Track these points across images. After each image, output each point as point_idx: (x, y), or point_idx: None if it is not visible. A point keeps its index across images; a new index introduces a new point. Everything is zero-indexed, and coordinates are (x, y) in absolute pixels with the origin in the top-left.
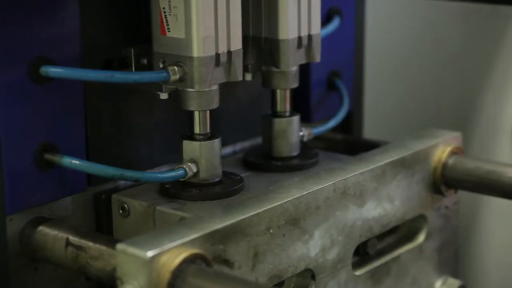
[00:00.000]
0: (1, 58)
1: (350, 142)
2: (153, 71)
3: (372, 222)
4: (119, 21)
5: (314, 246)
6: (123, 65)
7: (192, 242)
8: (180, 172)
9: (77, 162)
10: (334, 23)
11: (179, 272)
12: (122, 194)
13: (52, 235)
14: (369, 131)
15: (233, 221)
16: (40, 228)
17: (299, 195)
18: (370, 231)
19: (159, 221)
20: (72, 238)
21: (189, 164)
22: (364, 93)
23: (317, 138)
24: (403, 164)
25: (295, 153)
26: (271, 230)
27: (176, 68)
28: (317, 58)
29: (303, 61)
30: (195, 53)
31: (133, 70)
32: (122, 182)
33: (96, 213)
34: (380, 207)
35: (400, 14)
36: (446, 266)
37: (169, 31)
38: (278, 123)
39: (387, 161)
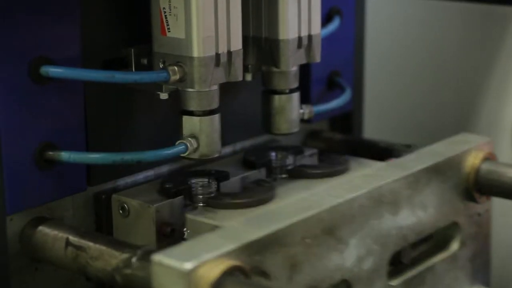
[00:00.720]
0: (1, 58)
1: (350, 142)
2: (153, 71)
3: (407, 230)
4: (119, 21)
5: (350, 256)
6: (123, 65)
7: (230, 254)
8: (181, 147)
9: (76, 155)
10: (334, 23)
11: (218, 285)
12: (122, 194)
13: (52, 235)
14: (369, 131)
15: (270, 231)
16: (40, 228)
17: (334, 204)
18: (405, 239)
19: (190, 229)
20: (72, 238)
21: (190, 139)
22: (364, 93)
23: (317, 138)
24: (436, 171)
25: (294, 130)
26: (307, 240)
27: (176, 68)
28: (317, 58)
29: (303, 61)
30: (195, 53)
31: (133, 70)
32: (122, 182)
33: (96, 213)
34: (414, 215)
35: (400, 14)
36: (479, 275)
37: (169, 31)
38: (278, 99)
39: (420, 167)
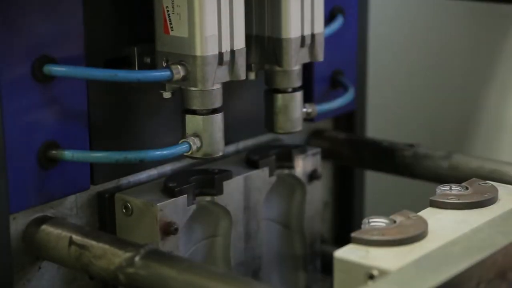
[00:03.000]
0: (5, 57)
1: (353, 141)
2: (156, 70)
3: None
4: (122, 20)
5: None
6: (126, 64)
7: None
8: (185, 146)
9: (79, 154)
10: (337, 22)
11: None
12: (125, 193)
13: (55, 234)
14: (372, 130)
15: (447, 277)
16: (44, 227)
17: (507, 243)
18: None
19: (338, 270)
20: (75, 237)
21: (193, 138)
22: (367, 92)
23: (320, 137)
24: None
25: (297, 129)
26: (481, 286)
27: (179, 67)
28: (320, 57)
29: (306, 60)
30: (198, 52)
31: (136, 69)
32: (125, 181)
33: (99, 212)
34: None
35: (403, 13)
36: None
37: (172, 30)
38: (281, 98)
39: None
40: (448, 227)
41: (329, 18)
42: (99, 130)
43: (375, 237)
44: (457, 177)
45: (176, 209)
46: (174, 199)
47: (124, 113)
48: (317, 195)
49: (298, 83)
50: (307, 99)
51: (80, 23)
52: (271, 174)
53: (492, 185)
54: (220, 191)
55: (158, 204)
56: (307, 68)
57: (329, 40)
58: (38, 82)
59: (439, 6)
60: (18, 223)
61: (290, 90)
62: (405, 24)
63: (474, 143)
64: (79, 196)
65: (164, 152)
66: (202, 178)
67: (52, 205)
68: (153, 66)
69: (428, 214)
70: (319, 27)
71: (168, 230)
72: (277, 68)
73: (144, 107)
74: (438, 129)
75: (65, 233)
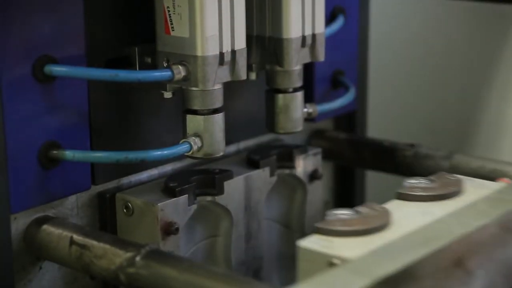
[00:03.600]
0: (5, 57)
1: (353, 141)
2: (157, 70)
3: None
4: (123, 20)
5: None
6: (127, 64)
7: None
8: (185, 146)
9: (80, 154)
10: (338, 22)
11: None
12: (126, 193)
13: (56, 234)
14: (373, 130)
15: (404, 265)
16: (45, 227)
17: (465, 233)
18: None
19: (302, 259)
20: (76, 237)
21: (194, 138)
22: (368, 92)
23: (321, 137)
24: None
25: (298, 129)
26: (437, 274)
27: (180, 67)
28: (321, 57)
29: (307, 60)
30: (199, 52)
31: (137, 69)
32: (126, 181)
33: (100, 212)
34: None
35: (403, 13)
36: None
37: (173, 30)
38: (282, 98)
39: None
40: (411, 218)
41: (330, 18)
42: (99, 130)
43: (338, 228)
44: None
45: (177, 209)
46: (175, 199)
47: (125, 113)
48: (318, 195)
49: (299, 83)
50: (308, 99)
51: (81, 23)
52: (272, 174)
53: (458, 178)
54: (221, 191)
55: (159, 204)
56: (308, 68)
57: (330, 40)
58: (39, 82)
59: (440, 6)
60: (19, 223)
61: (291, 90)
62: (405, 24)
63: (474, 143)
64: (80, 196)
65: (165, 152)
66: (203, 178)
67: (53, 205)
68: (154, 66)
69: (393, 206)
70: (320, 27)
71: (169, 230)
72: (278, 68)
73: (145, 107)
74: (438, 129)
75: (66, 233)
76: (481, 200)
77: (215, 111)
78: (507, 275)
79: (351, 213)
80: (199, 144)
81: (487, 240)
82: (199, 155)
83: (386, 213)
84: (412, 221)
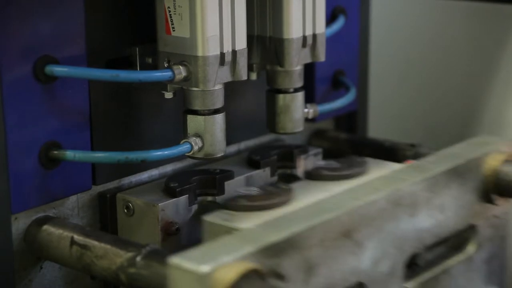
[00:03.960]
0: (6, 57)
1: (354, 141)
2: (158, 70)
3: (424, 233)
4: (124, 20)
5: (366, 258)
6: (128, 65)
7: (247, 256)
8: (186, 146)
9: (81, 154)
10: (339, 22)
11: None
12: (126, 193)
13: (57, 234)
14: (373, 130)
15: (289, 234)
16: (45, 227)
17: (353, 207)
18: (422, 242)
19: (206, 232)
20: (77, 237)
21: (194, 138)
22: (369, 92)
23: (322, 137)
24: (456, 173)
25: (299, 130)
26: (325, 243)
27: (181, 67)
28: (322, 57)
29: (308, 61)
30: (200, 53)
31: (138, 69)
32: (126, 181)
33: (101, 212)
34: (432, 218)
35: (404, 13)
36: (495, 277)
37: (174, 31)
38: (282, 98)
39: (440, 170)
40: (312, 196)
41: (330, 19)
42: (100, 130)
43: (241, 203)
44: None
45: (177, 209)
46: (175, 199)
47: (126, 114)
48: None
49: (299, 83)
50: (309, 99)
51: (81, 24)
52: (272, 174)
53: (364, 160)
54: (221, 191)
55: (159, 204)
56: (309, 69)
57: (331, 40)
58: (40, 82)
59: (441, 7)
60: (19, 223)
61: (291, 90)
62: (406, 24)
63: None
64: (81, 196)
65: (166, 152)
66: (204, 178)
67: (53, 205)
68: (154, 67)
69: (299, 185)
70: (321, 27)
71: (170, 230)
72: (279, 68)
73: (146, 108)
74: (439, 129)
75: (66, 233)
76: (376, 178)
77: (216, 111)
78: (399, 247)
79: (259, 190)
80: (200, 144)
81: (376, 214)
82: (199, 155)
83: (288, 191)
84: (311, 198)
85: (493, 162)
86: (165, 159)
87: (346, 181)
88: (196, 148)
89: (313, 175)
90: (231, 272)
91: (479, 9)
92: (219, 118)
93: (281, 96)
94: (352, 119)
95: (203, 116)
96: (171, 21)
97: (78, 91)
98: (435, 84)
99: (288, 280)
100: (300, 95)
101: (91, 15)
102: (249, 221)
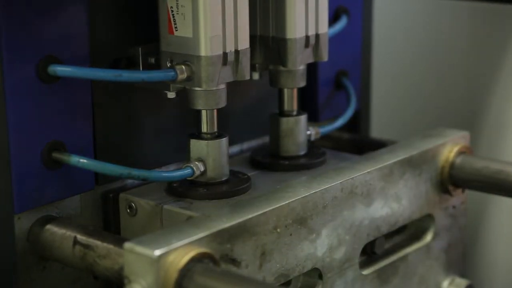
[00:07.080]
0: (9, 57)
1: (357, 142)
2: (161, 70)
3: (380, 221)
4: (127, 20)
5: (321, 245)
6: (131, 64)
7: (199, 241)
8: (188, 171)
9: (85, 161)
10: (342, 22)
11: (186, 271)
12: (129, 193)
13: (60, 234)
14: (376, 131)
15: (241, 220)
16: (48, 226)
17: (306, 194)
18: (378, 230)
19: (167, 220)
20: (80, 237)
21: (197, 163)
22: (372, 92)
23: (324, 137)
24: (410, 164)
25: (302, 152)
26: (278, 229)
27: (183, 67)
28: (325, 57)
29: (311, 60)
30: (203, 52)
31: (141, 69)
32: (129, 181)
33: (103, 212)
34: (388, 207)
35: (407, 13)
36: (454, 265)
37: (176, 30)
38: (285, 122)
39: (394, 160)
40: (269, 185)
41: (333, 19)
42: (103, 130)
43: (200, 192)
44: (462, 178)
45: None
46: (178, 199)
47: (129, 113)
48: None
49: (302, 83)
50: (311, 99)
51: (84, 24)
52: None
53: (324, 151)
54: None
55: (162, 205)
56: (311, 69)
57: (334, 40)
58: (43, 82)
59: (444, 7)
60: (22, 223)
61: (294, 113)
62: (409, 24)
63: (478, 143)
64: (84, 196)
65: (167, 174)
66: None
67: (56, 205)
68: (157, 66)
69: (259, 175)
70: (324, 27)
71: None
72: (282, 68)
73: (150, 108)
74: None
75: (69, 233)
76: (331, 168)
77: (219, 136)
78: (356, 235)
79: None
80: (202, 168)
81: (331, 202)
82: (202, 179)
83: (247, 180)
84: (269, 187)
85: (448, 153)
86: (166, 180)
87: (304, 172)
88: (198, 172)
89: (272, 166)
90: (183, 256)
91: (481, 9)
92: (222, 143)
93: (284, 119)
94: (355, 119)
95: (206, 141)
96: (174, 21)
97: (81, 91)
98: (438, 84)
99: (242, 265)
100: (303, 118)
101: (94, 15)
102: (207, 209)
